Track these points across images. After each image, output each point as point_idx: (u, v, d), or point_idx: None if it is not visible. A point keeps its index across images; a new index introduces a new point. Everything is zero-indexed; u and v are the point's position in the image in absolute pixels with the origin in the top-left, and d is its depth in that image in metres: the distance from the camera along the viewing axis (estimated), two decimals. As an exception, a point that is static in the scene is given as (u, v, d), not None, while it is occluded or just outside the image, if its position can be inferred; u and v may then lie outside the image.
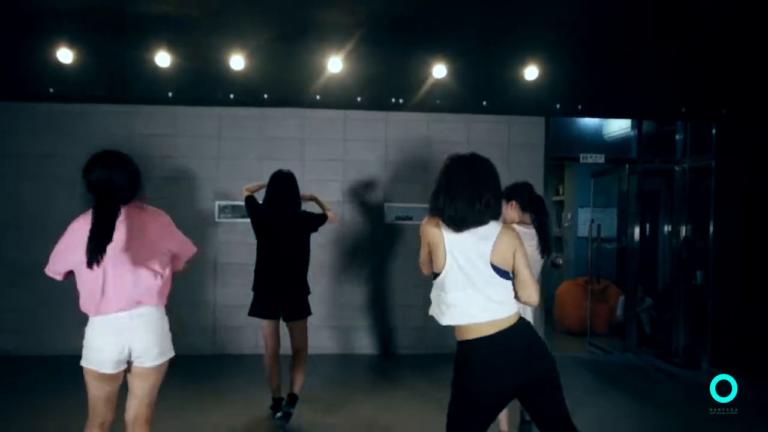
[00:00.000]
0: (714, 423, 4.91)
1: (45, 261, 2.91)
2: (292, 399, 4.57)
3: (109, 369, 2.85)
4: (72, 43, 5.85)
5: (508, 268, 2.67)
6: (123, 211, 2.84)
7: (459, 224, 2.62)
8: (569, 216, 10.19)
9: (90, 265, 2.67)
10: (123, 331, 2.84)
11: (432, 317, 2.80)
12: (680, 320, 7.30)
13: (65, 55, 5.86)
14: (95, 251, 2.66)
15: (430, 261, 2.76)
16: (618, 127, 7.93)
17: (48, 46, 5.86)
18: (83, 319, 2.94)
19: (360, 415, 4.88)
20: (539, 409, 2.72)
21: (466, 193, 2.61)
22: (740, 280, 6.42)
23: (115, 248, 2.77)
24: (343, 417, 4.82)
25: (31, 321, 6.53)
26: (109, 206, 2.77)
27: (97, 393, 2.90)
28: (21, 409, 4.79)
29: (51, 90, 6.07)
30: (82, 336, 2.92)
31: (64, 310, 6.19)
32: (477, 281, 2.62)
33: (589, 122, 8.22)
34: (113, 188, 2.80)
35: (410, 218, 7.02)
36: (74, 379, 3.12)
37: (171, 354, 3.02)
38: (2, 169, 6.57)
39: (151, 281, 2.89)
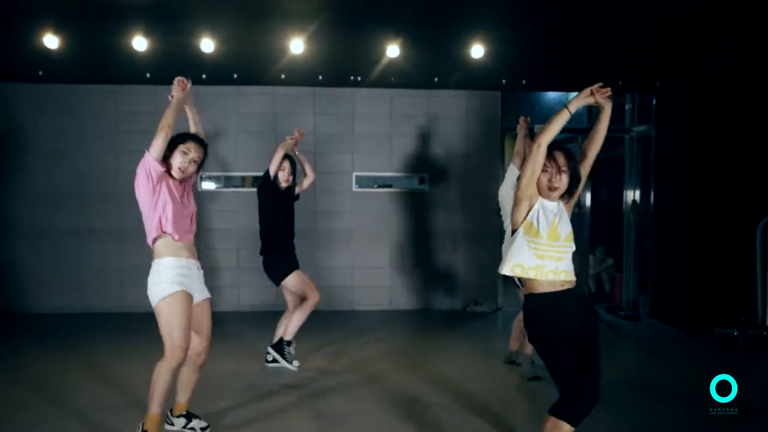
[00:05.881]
0: (619, 362, 5.58)
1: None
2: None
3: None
4: (57, 30, 6.37)
5: None
6: None
7: None
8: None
9: None
10: None
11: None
12: (630, 278, 7.90)
13: (51, 41, 6.41)
14: None
15: None
16: (582, 97, 8.33)
17: (35, 33, 6.38)
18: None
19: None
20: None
21: None
22: (676, 242, 6.97)
23: None
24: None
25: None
26: None
27: None
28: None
29: (40, 73, 6.64)
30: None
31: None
32: None
33: (556, 93, 8.65)
34: None
35: (389, 186, 7.64)
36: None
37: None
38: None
39: None
